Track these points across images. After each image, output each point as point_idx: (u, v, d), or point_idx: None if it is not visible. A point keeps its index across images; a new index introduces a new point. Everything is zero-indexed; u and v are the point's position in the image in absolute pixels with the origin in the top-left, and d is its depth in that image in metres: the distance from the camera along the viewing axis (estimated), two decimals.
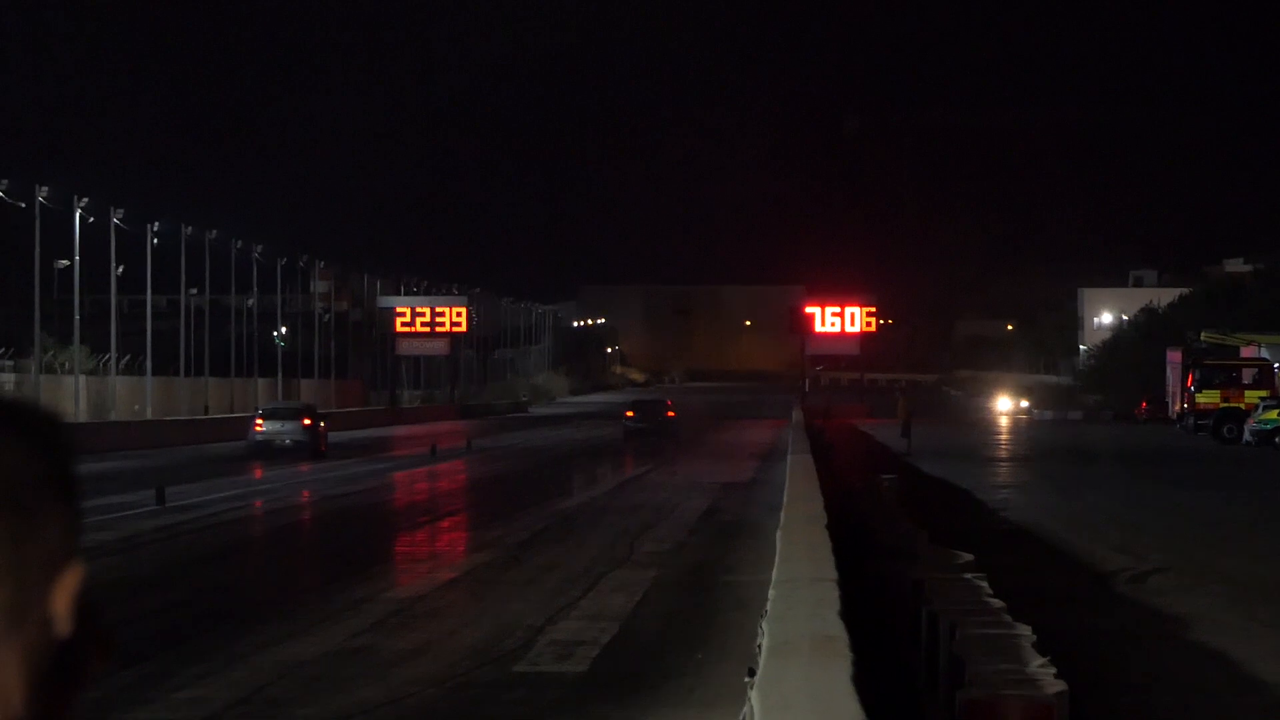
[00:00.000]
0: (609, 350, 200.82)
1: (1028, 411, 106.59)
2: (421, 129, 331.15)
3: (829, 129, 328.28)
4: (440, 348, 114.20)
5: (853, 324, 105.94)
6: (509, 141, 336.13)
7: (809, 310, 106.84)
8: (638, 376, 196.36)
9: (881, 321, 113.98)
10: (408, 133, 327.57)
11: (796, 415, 64.13)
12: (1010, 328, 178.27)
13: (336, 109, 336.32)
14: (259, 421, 54.07)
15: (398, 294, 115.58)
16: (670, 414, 70.86)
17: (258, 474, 45.08)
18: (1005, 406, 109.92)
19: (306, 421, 53.75)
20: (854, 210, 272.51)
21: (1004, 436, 76.70)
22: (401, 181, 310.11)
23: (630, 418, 69.67)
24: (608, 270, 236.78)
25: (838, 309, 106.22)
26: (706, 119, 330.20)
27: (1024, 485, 43.30)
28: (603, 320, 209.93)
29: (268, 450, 52.04)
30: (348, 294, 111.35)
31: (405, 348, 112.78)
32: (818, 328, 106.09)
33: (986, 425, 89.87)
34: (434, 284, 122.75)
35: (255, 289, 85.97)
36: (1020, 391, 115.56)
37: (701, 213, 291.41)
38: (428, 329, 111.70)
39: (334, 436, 64.62)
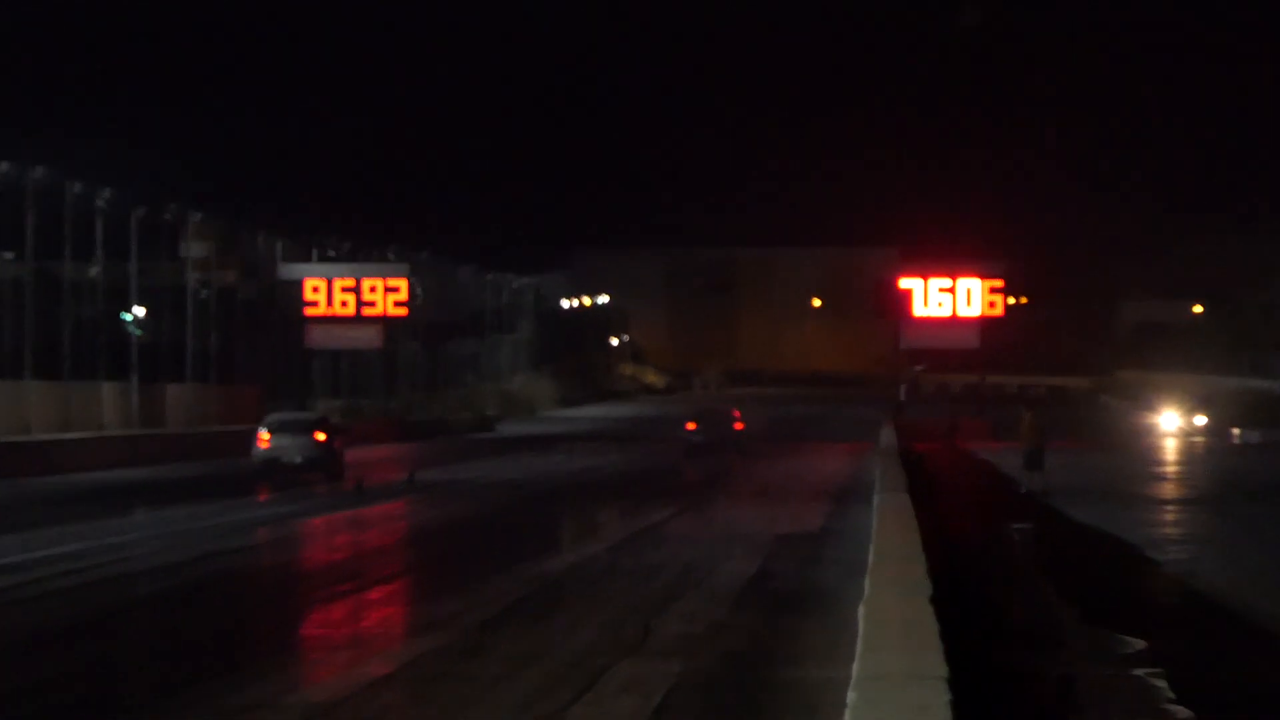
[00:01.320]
0: (615, 342, 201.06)
1: (1206, 432, 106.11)
2: (349, 41, 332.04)
3: (935, 23, 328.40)
4: (370, 338, 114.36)
5: (969, 304, 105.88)
6: (470, 55, 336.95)
7: (905, 285, 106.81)
8: (656, 379, 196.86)
9: (1011, 301, 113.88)
10: (324, 45, 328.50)
11: (887, 437, 64.29)
12: (1199, 310, 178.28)
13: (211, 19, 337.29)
14: (263, 435, 62.48)
15: (309, 260, 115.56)
16: (738, 425, 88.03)
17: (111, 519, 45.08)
18: (1171, 424, 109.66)
19: (320, 436, 62.47)
20: (969, 143, 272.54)
21: (1182, 468, 76.63)
22: (315, 105, 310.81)
23: (692, 430, 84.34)
24: (612, 228, 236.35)
25: (948, 283, 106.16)
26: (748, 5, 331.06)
27: (1216, 539, 43.21)
28: (605, 298, 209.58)
29: (275, 469, 61.09)
30: (236, 260, 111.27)
31: (320, 337, 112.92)
32: (918, 310, 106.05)
33: (1152, 451, 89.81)
34: (361, 247, 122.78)
35: (100, 253, 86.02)
36: (1196, 404, 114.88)
37: (746, 144, 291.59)
38: (352, 311, 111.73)
39: (218, 466, 65.93)
